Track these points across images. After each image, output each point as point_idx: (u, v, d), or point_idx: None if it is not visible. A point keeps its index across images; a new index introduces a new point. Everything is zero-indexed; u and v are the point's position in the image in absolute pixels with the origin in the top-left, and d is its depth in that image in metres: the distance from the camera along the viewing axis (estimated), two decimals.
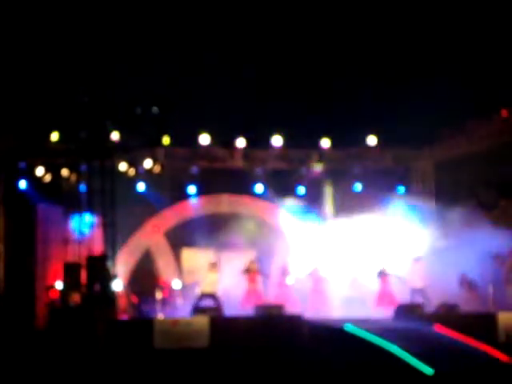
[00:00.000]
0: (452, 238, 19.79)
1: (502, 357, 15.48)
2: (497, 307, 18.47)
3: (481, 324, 17.30)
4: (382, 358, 15.23)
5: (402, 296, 19.54)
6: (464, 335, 16.44)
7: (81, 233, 19.70)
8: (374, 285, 20.07)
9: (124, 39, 19.69)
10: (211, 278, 19.15)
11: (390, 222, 21.24)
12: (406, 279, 19.82)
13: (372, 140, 21.27)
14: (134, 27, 19.61)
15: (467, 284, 19.59)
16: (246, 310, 18.87)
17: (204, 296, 18.83)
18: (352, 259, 20.63)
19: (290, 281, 20.43)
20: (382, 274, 19.98)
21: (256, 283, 20.03)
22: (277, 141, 20.96)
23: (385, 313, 19.05)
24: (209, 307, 18.45)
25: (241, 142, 20.94)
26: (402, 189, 22.34)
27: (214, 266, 19.35)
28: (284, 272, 20.45)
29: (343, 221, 21.44)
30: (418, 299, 19.16)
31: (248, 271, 19.97)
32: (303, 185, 22.06)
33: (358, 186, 22.09)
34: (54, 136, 19.90)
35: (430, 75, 20.01)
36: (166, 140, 20.37)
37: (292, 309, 18.65)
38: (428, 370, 14.60)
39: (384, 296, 19.79)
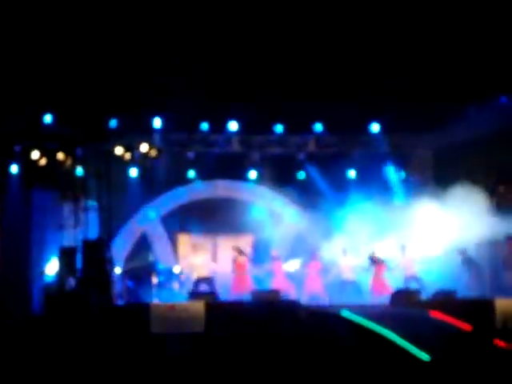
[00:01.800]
0: (450, 223, 19.77)
1: (500, 343, 15.50)
2: (494, 293, 18.48)
3: (478, 310, 17.28)
4: (378, 344, 15.23)
5: (396, 283, 19.53)
6: (461, 321, 16.44)
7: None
8: (368, 271, 20.05)
9: (122, 26, 19.58)
10: (197, 261, 19.11)
11: (387, 208, 21.23)
12: (400, 266, 19.85)
13: (375, 127, 21.38)
14: (134, 15, 19.49)
15: (467, 260, 19.62)
16: (237, 296, 18.89)
17: (200, 280, 18.80)
18: (348, 245, 20.55)
19: (287, 267, 20.41)
20: (375, 261, 19.92)
21: (244, 269, 19.92)
22: (275, 126, 21.03)
23: (381, 299, 19.05)
24: (204, 292, 18.46)
25: (238, 127, 20.96)
26: (401, 175, 22.29)
27: (195, 247, 19.28)
28: (276, 258, 20.39)
29: (339, 206, 21.40)
30: (413, 285, 19.16)
31: (235, 258, 19.94)
32: (302, 170, 22.01)
33: (352, 173, 22.04)
34: (50, 119, 19.84)
35: (428, 61, 19.93)
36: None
37: (288, 295, 18.64)
38: (424, 356, 14.61)
39: (377, 283, 19.73)
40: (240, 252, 19.90)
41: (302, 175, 22.02)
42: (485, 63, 19.47)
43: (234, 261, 19.81)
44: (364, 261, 20.03)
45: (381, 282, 19.77)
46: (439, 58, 19.81)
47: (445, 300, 18.10)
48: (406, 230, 20.27)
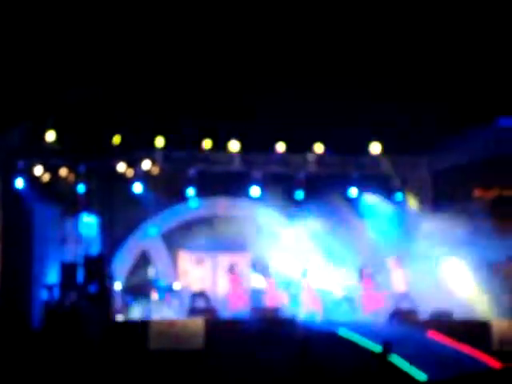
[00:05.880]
0: (449, 245, 19.87)
1: (495, 364, 15.58)
2: (492, 315, 18.59)
3: (475, 331, 17.37)
4: (375, 363, 15.28)
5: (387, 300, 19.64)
6: (458, 342, 16.52)
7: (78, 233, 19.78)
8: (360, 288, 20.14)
9: (123, 39, 19.73)
10: (198, 274, 19.15)
11: (384, 228, 21.42)
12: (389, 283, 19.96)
13: (375, 148, 21.46)
14: (136, 27, 19.64)
15: None
16: (235, 311, 19.00)
17: (197, 296, 18.87)
18: (341, 262, 20.68)
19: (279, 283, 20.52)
20: (366, 277, 19.98)
21: (238, 285, 20.03)
22: (276, 145, 21.17)
23: (378, 317, 19.14)
24: (204, 309, 18.54)
25: (239, 146, 21.12)
26: (399, 196, 22.37)
27: (200, 261, 19.29)
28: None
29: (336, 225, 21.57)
30: (404, 304, 19.24)
31: (230, 273, 20.08)
32: (301, 189, 22.08)
33: (355, 192, 22.14)
34: (53, 135, 19.97)
35: (427, 84, 20.10)
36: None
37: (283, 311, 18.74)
38: (421, 376, 14.68)
39: (368, 298, 19.77)
40: (231, 270, 20.07)
41: (302, 193, 22.07)
42: (483, 86, 19.65)
43: (229, 277, 19.97)
44: (353, 276, 20.12)
45: (372, 297, 19.81)
46: (436, 82, 19.97)
47: (442, 321, 18.21)
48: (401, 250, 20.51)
